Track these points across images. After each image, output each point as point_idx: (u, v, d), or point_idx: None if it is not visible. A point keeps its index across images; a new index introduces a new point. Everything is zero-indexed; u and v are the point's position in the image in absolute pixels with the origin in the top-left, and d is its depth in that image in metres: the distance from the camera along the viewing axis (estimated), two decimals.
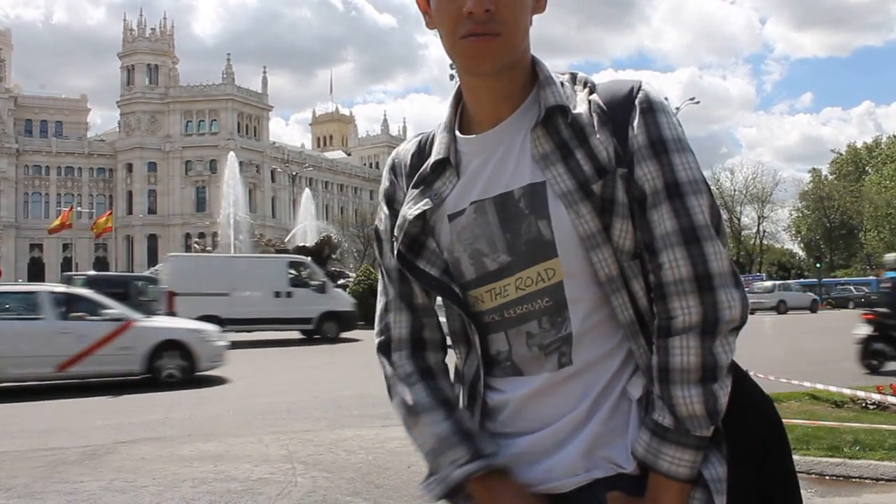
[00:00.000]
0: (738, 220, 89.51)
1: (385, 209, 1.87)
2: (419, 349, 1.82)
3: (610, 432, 1.65)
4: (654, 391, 1.61)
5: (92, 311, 16.20)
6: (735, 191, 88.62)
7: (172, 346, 16.30)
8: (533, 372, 1.71)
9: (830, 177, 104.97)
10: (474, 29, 1.62)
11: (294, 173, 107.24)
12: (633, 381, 1.67)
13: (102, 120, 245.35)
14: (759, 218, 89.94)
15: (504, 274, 1.70)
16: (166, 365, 16.11)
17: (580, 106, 1.69)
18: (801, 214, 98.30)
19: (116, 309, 16.57)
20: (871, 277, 76.15)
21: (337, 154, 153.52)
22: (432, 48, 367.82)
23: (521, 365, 1.72)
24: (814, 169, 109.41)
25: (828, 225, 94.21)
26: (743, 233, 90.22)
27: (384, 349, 1.85)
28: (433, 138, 1.84)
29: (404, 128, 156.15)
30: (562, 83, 1.74)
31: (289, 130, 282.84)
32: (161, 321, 18.51)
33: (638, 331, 1.66)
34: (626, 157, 1.64)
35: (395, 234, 1.78)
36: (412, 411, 1.77)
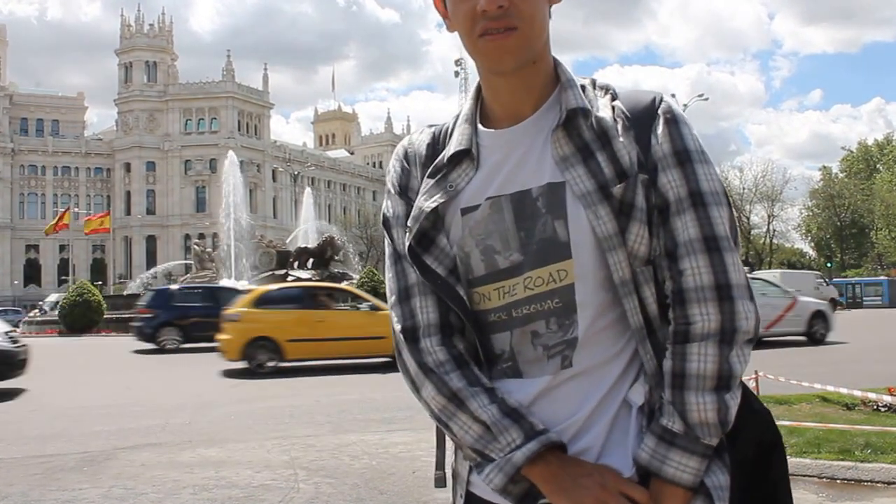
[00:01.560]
0: (748, 218, 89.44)
1: (397, 197, 1.84)
2: (448, 334, 1.75)
3: (611, 439, 1.65)
4: (665, 396, 1.62)
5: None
6: (745, 189, 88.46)
7: (822, 315, 23.92)
8: (533, 374, 1.70)
9: (841, 175, 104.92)
10: (489, 26, 1.63)
11: (296, 173, 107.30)
12: (636, 388, 1.67)
13: (99, 118, 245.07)
14: (769, 217, 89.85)
15: (514, 272, 1.69)
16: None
17: (603, 111, 1.70)
18: (811, 213, 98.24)
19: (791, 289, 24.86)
20: (882, 278, 76.21)
21: (340, 153, 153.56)
22: (436, 44, 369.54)
23: (522, 366, 1.71)
24: (824, 167, 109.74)
25: (838, 224, 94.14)
26: (752, 232, 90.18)
27: (410, 335, 1.76)
28: (447, 130, 1.85)
29: (408, 126, 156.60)
30: (583, 87, 1.75)
31: (289, 129, 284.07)
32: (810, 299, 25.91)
33: (646, 336, 1.66)
34: (648, 164, 1.66)
35: (410, 224, 1.76)
36: (453, 399, 1.70)
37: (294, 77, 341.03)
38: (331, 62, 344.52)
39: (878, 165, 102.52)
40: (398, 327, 1.78)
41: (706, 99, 62.02)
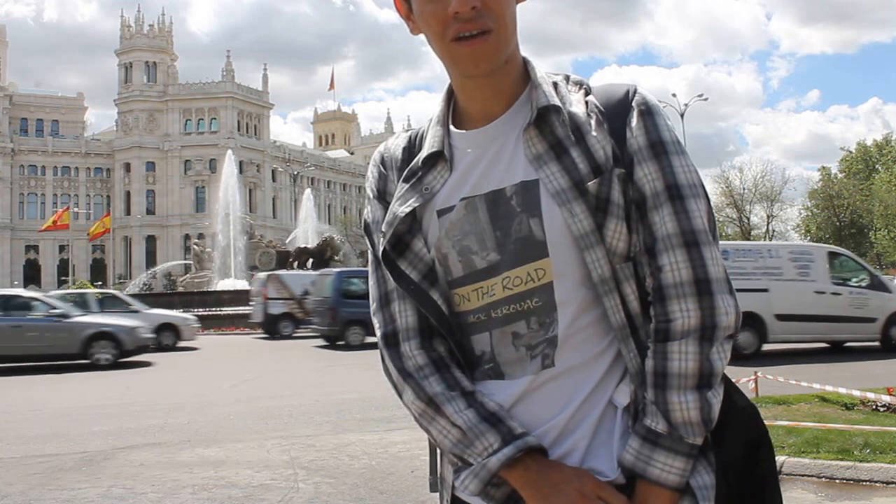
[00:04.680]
0: (748, 219, 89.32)
1: (376, 202, 1.83)
2: (428, 338, 1.74)
3: (595, 441, 1.63)
4: (648, 396, 1.60)
5: None
6: (745, 189, 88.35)
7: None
8: (515, 375, 1.67)
9: (840, 175, 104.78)
10: (463, 29, 1.60)
11: (295, 173, 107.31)
12: (620, 389, 1.65)
13: (96, 119, 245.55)
14: (768, 217, 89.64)
15: (492, 273, 1.68)
16: None
17: (577, 106, 1.69)
18: (810, 213, 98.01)
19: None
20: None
21: (339, 153, 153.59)
22: None
23: (503, 367, 1.69)
24: (823, 167, 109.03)
25: (837, 224, 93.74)
26: (752, 232, 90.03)
27: (391, 340, 1.76)
28: (423, 134, 1.83)
29: (408, 125, 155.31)
30: (555, 84, 1.73)
31: (287, 129, 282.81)
32: None
33: (628, 334, 1.64)
34: (624, 158, 1.64)
35: (384, 229, 1.75)
36: (431, 404, 1.69)
37: (292, 77, 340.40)
38: (329, 62, 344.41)
39: (876, 166, 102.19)
40: (379, 333, 1.79)
41: (706, 99, 62.00)
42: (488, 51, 1.62)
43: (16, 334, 20.38)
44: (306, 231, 63.61)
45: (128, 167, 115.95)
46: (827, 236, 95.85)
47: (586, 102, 1.68)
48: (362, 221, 1.88)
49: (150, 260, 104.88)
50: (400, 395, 1.76)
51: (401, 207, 1.73)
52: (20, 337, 20.39)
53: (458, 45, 1.62)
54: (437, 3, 1.61)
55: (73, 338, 20.56)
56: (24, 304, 21.65)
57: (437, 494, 1.87)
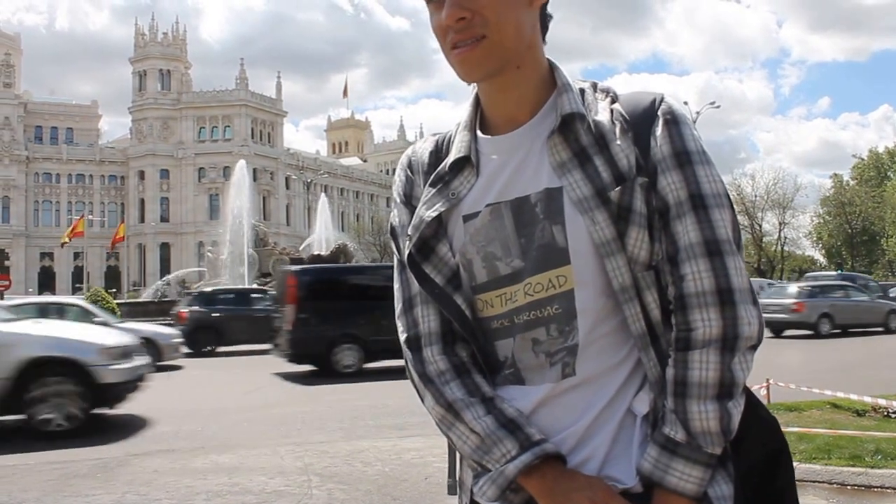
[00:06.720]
0: (760, 226, 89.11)
1: (403, 206, 1.84)
2: (450, 343, 1.74)
3: (614, 449, 1.63)
4: (667, 405, 1.59)
5: None
6: (756, 197, 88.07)
7: None
8: (535, 382, 1.68)
9: (852, 182, 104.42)
10: (457, 38, 1.63)
11: (309, 180, 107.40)
12: (640, 397, 1.64)
13: (110, 126, 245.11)
14: (780, 224, 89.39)
15: (516, 279, 1.68)
16: None
17: (602, 114, 1.68)
18: (822, 220, 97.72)
19: None
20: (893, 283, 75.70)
21: (352, 161, 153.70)
22: None
23: (524, 373, 1.69)
24: (835, 174, 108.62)
25: (849, 231, 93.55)
26: (764, 239, 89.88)
27: (413, 345, 1.77)
28: (450, 138, 1.83)
29: (421, 133, 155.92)
30: (582, 90, 1.72)
31: (299, 136, 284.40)
32: None
33: (649, 343, 1.63)
34: (648, 167, 1.63)
35: (410, 233, 1.75)
36: (450, 410, 1.70)
37: (304, 85, 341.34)
38: (341, 70, 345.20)
39: (888, 173, 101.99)
40: (402, 337, 1.79)
41: (718, 107, 61.50)
42: (478, 58, 1.63)
43: None
44: (320, 238, 63.67)
45: (142, 175, 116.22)
46: (839, 244, 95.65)
47: (611, 110, 1.68)
48: (388, 225, 1.88)
49: (165, 267, 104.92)
50: (422, 400, 1.76)
51: (427, 212, 1.74)
52: None
53: (453, 53, 1.65)
54: (438, 16, 1.65)
55: None
56: None
57: (456, 498, 1.88)
